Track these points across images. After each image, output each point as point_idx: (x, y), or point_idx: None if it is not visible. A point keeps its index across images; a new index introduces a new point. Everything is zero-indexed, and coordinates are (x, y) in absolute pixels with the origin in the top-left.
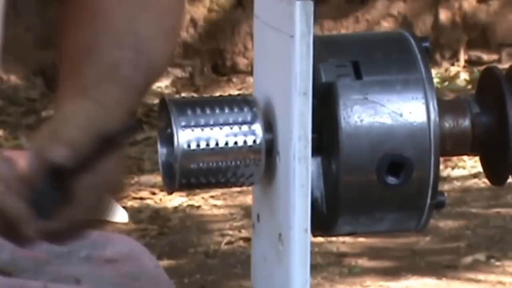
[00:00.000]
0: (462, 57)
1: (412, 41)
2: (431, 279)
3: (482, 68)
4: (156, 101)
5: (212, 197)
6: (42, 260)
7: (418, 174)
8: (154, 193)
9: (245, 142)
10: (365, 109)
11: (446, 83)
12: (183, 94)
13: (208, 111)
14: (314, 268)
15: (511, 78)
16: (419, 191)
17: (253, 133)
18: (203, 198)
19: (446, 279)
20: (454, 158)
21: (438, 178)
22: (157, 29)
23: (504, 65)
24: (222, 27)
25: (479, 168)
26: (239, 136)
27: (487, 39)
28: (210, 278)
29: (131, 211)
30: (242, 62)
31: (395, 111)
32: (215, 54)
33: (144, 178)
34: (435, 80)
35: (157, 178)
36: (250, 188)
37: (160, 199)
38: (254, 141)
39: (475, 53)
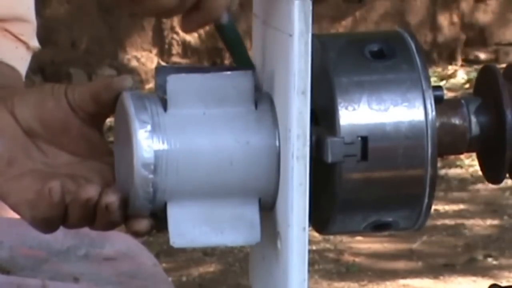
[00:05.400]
0: (460, 56)
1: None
2: (429, 278)
3: (479, 67)
4: None
5: None
6: (41, 258)
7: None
8: None
9: None
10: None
11: (444, 82)
12: None
13: None
14: (312, 266)
15: (508, 77)
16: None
17: None
18: None
19: (443, 277)
20: (452, 157)
21: (435, 177)
22: None
23: (502, 64)
24: None
25: (477, 167)
26: None
27: (485, 38)
28: (208, 276)
29: None
30: None
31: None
32: (214, 53)
33: None
34: (433, 79)
35: None
36: None
37: None
38: None
39: (472, 52)
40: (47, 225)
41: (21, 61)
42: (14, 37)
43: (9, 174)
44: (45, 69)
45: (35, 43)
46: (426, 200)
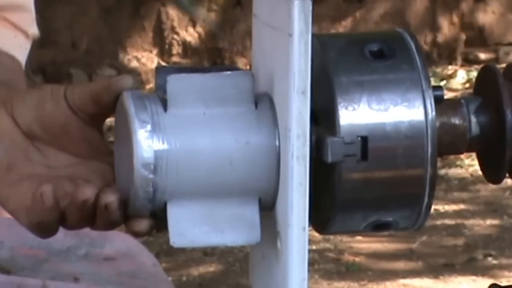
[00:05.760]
0: (460, 56)
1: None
2: (429, 278)
3: (479, 67)
4: None
5: None
6: (41, 258)
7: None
8: None
9: None
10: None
11: (444, 82)
12: None
13: None
14: (312, 266)
15: (508, 77)
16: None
17: None
18: None
19: (443, 277)
20: (452, 157)
21: (435, 177)
22: None
23: (502, 64)
24: (221, 26)
25: (477, 167)
26: None
27: (485, 38)
28: (208, 276)
29: None
30: (240, 61)
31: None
32: (214, 53)
33: None
34: (433, 79)
35: None
36: None
37: None
38: None
39: (472, 52)
40: (44, 229)
41: (20, 50)
42: (13, 25)
43: (9, 180)
44: (45, 69)
45: (34, 31)
46: (426, 200)
